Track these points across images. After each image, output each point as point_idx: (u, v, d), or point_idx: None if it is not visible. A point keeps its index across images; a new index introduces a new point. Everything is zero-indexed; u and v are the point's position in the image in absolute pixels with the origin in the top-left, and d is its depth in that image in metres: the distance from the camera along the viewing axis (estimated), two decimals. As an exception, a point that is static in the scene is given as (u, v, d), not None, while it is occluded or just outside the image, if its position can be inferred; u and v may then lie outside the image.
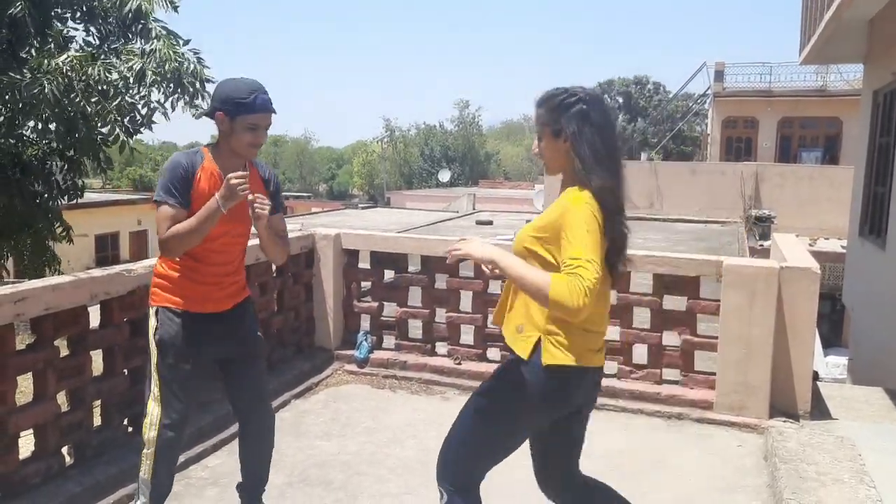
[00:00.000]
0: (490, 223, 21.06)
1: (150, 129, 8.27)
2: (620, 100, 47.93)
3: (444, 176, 47.24)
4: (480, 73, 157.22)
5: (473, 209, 28.69)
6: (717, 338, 4.72)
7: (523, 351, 2.32)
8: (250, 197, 2.81)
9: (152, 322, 2.98)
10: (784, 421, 4.51)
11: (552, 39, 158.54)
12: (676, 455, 4.18)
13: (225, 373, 3.14)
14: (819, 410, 4.72)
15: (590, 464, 2.58)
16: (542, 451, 2.57)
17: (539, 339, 2.30)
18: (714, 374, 4.75)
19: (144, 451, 2.98)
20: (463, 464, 2.44)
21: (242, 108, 2.80)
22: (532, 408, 2.36)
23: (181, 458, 3.80)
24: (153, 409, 2.96)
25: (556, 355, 2.29)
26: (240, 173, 2.77)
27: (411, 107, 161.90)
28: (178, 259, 2.92)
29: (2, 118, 8.26)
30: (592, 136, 2.30)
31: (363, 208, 30.87)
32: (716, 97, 29.14)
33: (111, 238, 26.19)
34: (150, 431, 2.96)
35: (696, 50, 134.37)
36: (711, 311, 4.75)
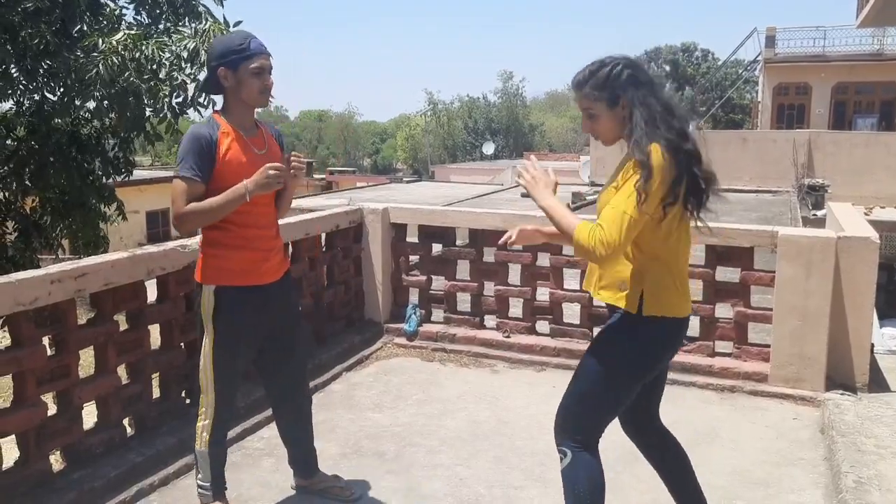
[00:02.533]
0: (535, 196, 20.88)
1: (198, 110, 8.32)
2: (667, 68, 47.03)
3: (489, 148, 47.00)
4: (524, 44, 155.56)
5: (518, 182, 28.52)
6: (770, 309, 4.64)
7: (632, 305, 2.42)
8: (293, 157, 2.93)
9: (208, 300, 2.91)
10: (841, 393, 4.42)
11: (596, 7, 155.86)
12: (730, 428, 4.14)
13: (266, 347, 3.11)
14: (876, 383, 4.63)
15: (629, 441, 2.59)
16: (641, 399, 2.64)
17: (642, 293, 2.41)
18: (768, 346, 4.67)
19: (200, 423, 3.03)
20: (587, 420, 2.52)
21: (242, 56, 2.81)
22: (649, 358, 2.49)
23: (237, 429, 3.91)
24: (207, 386, 2.99)
25: (664, 306, 2.43)
26: (277, 164, 2.79)
27: (454, 79, 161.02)
28: (230, 228, 2.88)
29: (57, 98, 8.44)
30: (646, 96, 2.38)
31: (407, 182, 30.94)
32: (767, 63, 28.42)
33: (161, 214, 26.68)
34: (205, 407, 3.01)
35: (746, 15, 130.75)
36: (766, 283, 4.66)
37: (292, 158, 2.94)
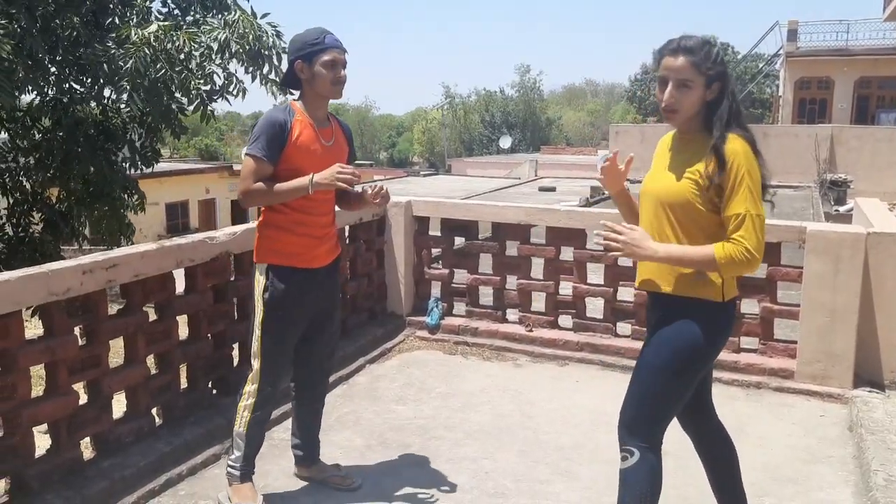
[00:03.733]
0: (553, 189, 20.87)
1: (228, 100, 8.38)
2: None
3: (505, 142, 46.92)
4: (541, 38, 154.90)
5: (535, 176, 28.47)
6: (797, 305, 4.60)
7: (716, 293, 2.41)
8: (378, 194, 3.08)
9: (260, 279, 3.04)
10: (869, 391, 4.38)
11: (615, 1, 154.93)
12: (756, 425, 4.11)
13: (307, 329, 3.20)
14: (905, 381, 4.58)
15: (666, 433, 2.55)
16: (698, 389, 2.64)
17: (722, 280, 2.41)
18: (795, 342, 4.64)
19: (242, 403, 3.09)
20: (658, 419, 2.49)
21: (317, 49, 2.94)
22: (719, 343, 2.49)
23: (264, 420, 3.93)
24: (255, 365, 3.07)
25: (734, 288, 2.48)
26: (349, 168, 2.91)
27: (471, 73, 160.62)
28: (284, 212, 3.00)
29: (87, 90, 8.50)
30: (735, 90, 2.44)
31: (424, 175, 30.95)
32: (788, 57, 28.15)
33: (181, 206, 26.85)
34: (250, 385, 3.08)
35: (767, 8, 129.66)
36: (793, 279, 4.62)
37: (375, 196, 3.08)
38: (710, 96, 2.40)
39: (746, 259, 2.28)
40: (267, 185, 2.92)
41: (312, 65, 2.95)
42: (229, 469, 3.15)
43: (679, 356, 2.44)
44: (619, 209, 2.81)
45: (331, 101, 3.08)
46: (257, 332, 3.05)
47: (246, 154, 2.95)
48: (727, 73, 2.41)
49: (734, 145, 2.33)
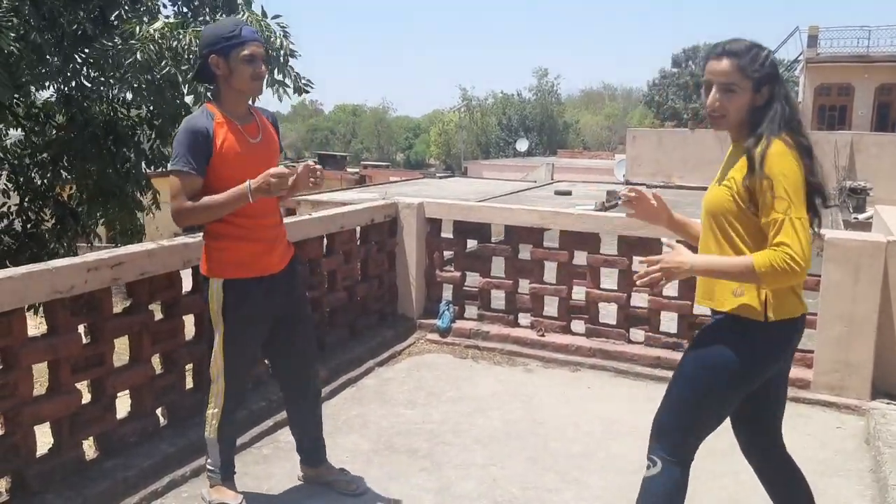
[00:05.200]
0: (569, 193, 20.78)
1: None
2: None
3: (522, 145, 46.83)
4: (559, 41, 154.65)
5: (552, 179, 28.37)
6: (814, 314, 4.49)
7: (756, 312, 2.29)
8: (313, 167, 2.91)
9: (217, 294, 2.92)
10: (888, 403, 4.28)
11: (633, 5, 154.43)
12: (771, 435, 4.02)
13: (271, 335, 3.12)
14: (925, 393, 4.48)
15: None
16: (752, 415, 2.54)
17: (766, 297, 2.28)
18: (811, 351, 4.54)
19: (209, 411, 3.07)
20: (687, 432, 2.40)
21: (234, 42, 2.79)
22: (760, 365, 2.34)
23: (269, 423, 3.90)
24: (217, 375, 3.03)
25: (788, 307, 2.31)
26: (281, 171, 2.76)
27: (488, 75, 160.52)
28: (231, 220, 2.87)
29: (94, 86, 8.51)
30: (787, 95, 2.33)
31: (441, 178, 30.92)
32: (808, 63, 27.92)
33: (197, 206, 26.91)
34: (215, 399, 3.06)
35: (787, 14, 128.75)
36: (810, 287, 4.52)
37: (312, 170, 2.92)
38: (759, 101, 2.31)
39: (789, 267, 2.14)
40: (200, 200, 2.78)
41: (230, 60, 2.80)
42: (208, 473, 3.15)
43: (710, 374, 2.34)
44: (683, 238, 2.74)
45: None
46: (219, 347, 2.97)
47: (171, 170, 2.79)
48: (778, 76, 2.33)
49: (770, 148, 2.22)
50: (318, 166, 2.97)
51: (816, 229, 2.35)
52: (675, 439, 2.39)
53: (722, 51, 2.31)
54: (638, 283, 2.38)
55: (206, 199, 2.78)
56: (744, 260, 2.23)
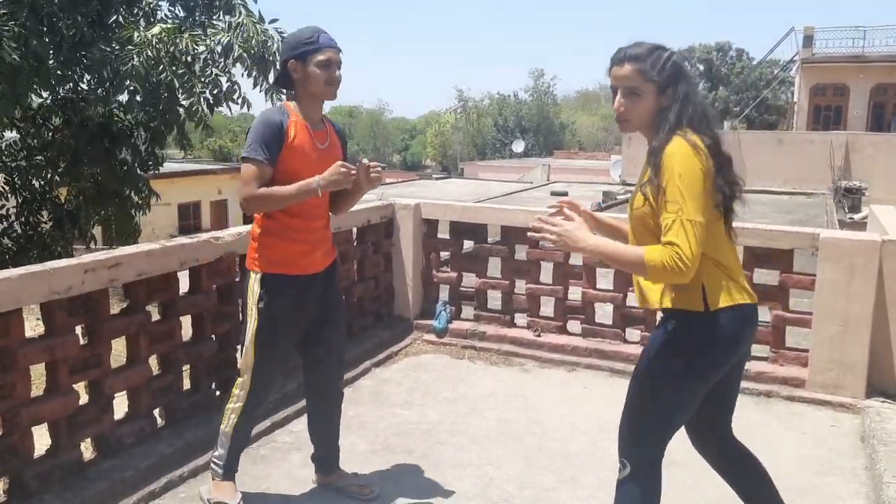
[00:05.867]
0: (565, 194, 20.76)
1: (229, 107, 8.34)
2: (701, 67, 46.40)
3: (518, 146, 46.87)
4: (555, 42, 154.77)
5: (548, 180, 28.40)
6: (808, 313, 4.53)
7: (696, 303, 2.29)
8: (371, 166, 2.97)
9: (255, 288, 2.97)
10: (882, 401, 4.30)
11: (629, 6, 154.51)
12: (767, 434, 4.03)
13: (307, 338, 3.15)
14: (920, 391, 4.50)
15: (673, 443, 2.49)
16: (707, 408, 2.51)
17: (703, 288, 2.28)
18: (806, 350, 4.56)
19: (230, 405, 3.07)
20: (651, 433, 2.40)
21: (311, 48, 2.88)
22: (715, 356, 2.34)
23: (266, 423, 3.91)
24: (247, 375, 3.03)
25: (732, 296, 2.31)
26: (347, 164, 2.85)
27: (485, 77, 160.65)
28: (279, 219, 2.94)
29: (91, 90, 8.51)
30: (692, 94, 2.31)
31: (437, 179, 30.93)
32: (804, 63, 28.00)
33: (193, 207, 26.94)
34: (239, 391, 3.05)
35: (782, 14, 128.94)
36: (805, 286, 4.55)
37: (371, 168, 2.98)
38: (665, 103, 2.31)
39: (676, 266, 2.12)
40: (273, 190, 2.85)
41: (307, 64, 2.88)
42: (212, 465, 3.15)
43: (662, 375, 2.35)
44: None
45: (330, 102, 3.04)
46: (251, 341, 2.99)
47: (244, 157, 2.87)
48: (681, 76, 2.32)
49: (668, 148, 2.22)
50: (376, 164, 3.02)
51: (727, 228, 2.36)
52: (638, 443, 2.40)
53: (624, 56, 2.32)
54: (532, 226, 2.34)
55: (276, 189, 2.85)
56: (636, 251, 2.22)
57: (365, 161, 2.99)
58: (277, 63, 7.93)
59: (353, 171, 2.86)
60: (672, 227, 2.15)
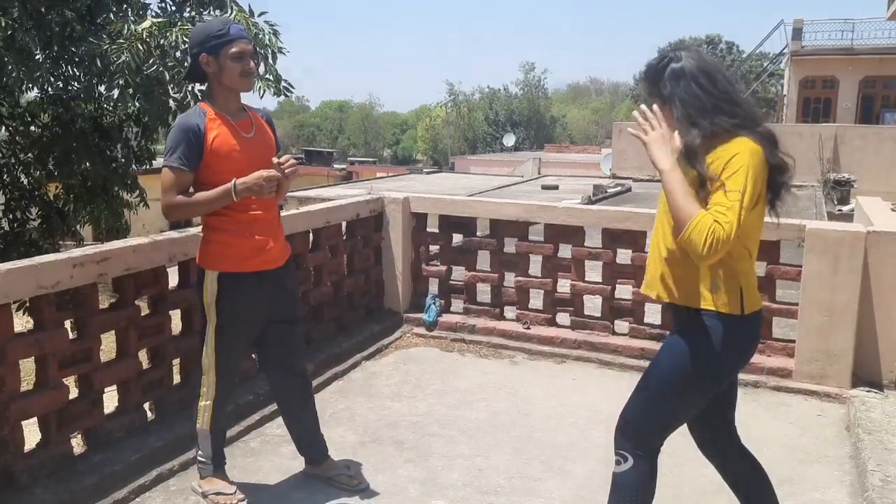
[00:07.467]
0: (556, 188, 20.83)
1: None
2: (691, 61, 46.39)
3: (509, 140, 46.85)
4: (546, 35, 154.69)
5: (539, 174, 28.42)
6: (795, 304, 4.57)
7: (734, 306, 2.28)
8: (283, 163, 2.94)
9: (211, 287, 2.96)
10: (867, 391, 4.35)
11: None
12: (753, 424, 4.05)
13: (262, 332, 3.15)
14: (904, 380, 4.54)
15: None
16: (713, 411, 2.52)
17: (741, 290, 2.29)
18: (793, 341, 4.60)
19: (201, 403, 3.11)
20: (655, 428, 2.41)
21: (222, 41, 2.85)
22: (738, 359, 2.38)
23: (257, 416, 3.92)
24: (209, 368, 3.06)
25: (756, 300, 2.35)
26: (271, 174, 2.83)
27: (475, 70, 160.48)
28: (231, 214, 2.92)
29: (81, 86, 8.46)
30: (688, 89, 2.28)
31: (428, 173, 30.91)
32: (793, 56, 28.09)
33: (183, 203, 26.80)
34: (206, 387, 3.09)
35: (772, 7, 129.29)
36: (791, 277, 4.59)
37: (284, 163, 2.95)
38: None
39: (717, 240, 2.06)
40: (189, 195, 2.84)
41: (219, 58, 2.86)
42: (199, 464, 3.19)
43: (687, 372, 2.33)
44: None
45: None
46: (212, 337, 3.01)
47: (164, 166, 2.85)
48: (670, 80, 2.31)
49: (738, 145, 2.29)
50: (288, 157, 3.02)
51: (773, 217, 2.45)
52: (644, 436, 2.41)
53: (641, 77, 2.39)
54: (634, 114, 2.35)
55: (194, 196, 2.85)
56: (695, 205, 2.15)
57: (275, 160, 2.96)
58: (270, 56, 7.94)
59: (276, 176, 2.84)
60: (732, 207, 2.11)
